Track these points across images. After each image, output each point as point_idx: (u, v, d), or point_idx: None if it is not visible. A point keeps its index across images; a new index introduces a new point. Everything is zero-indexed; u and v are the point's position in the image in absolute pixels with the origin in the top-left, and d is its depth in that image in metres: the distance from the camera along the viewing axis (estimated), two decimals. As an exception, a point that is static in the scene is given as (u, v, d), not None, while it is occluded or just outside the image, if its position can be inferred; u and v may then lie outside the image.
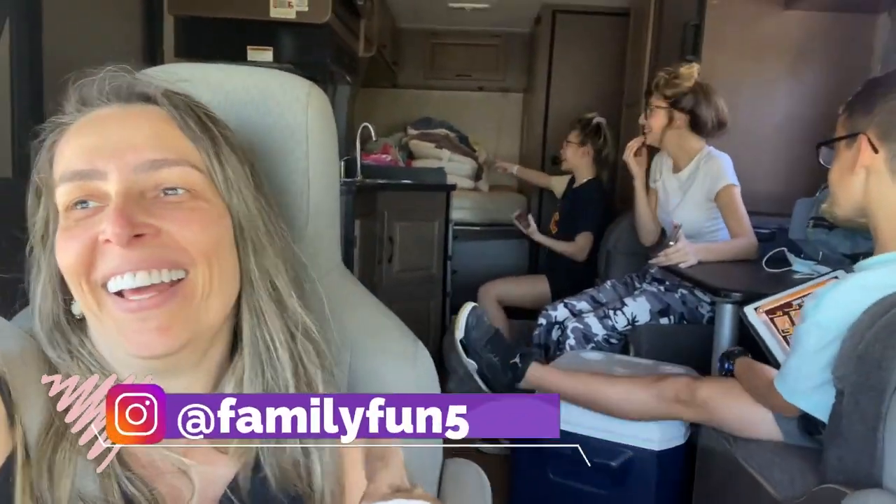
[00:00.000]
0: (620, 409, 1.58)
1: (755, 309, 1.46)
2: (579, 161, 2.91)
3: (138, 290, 0.54)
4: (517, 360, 1.76)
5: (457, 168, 3.92)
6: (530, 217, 2.92)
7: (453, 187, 3.31)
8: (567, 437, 1.69)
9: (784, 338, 1.42)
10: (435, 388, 0.84)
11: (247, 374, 0.60)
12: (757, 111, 2.45)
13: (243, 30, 2.34)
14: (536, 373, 1.72)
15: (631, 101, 3.38)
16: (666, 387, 1.48)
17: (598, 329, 2.15)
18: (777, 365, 1.37)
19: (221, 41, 2.32)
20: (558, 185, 3.17)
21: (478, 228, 3.81)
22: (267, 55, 2.28)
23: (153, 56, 2.21)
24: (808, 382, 1.12)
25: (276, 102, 0.77)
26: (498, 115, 4.57)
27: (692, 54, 2.44)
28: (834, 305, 1.07)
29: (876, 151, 1.06)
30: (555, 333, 2.22)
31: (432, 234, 3.20)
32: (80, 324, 0.59)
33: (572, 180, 3.03)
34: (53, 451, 0.51)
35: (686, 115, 2.16)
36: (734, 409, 1.36)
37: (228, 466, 0.60)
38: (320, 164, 0.80)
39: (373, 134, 3.07)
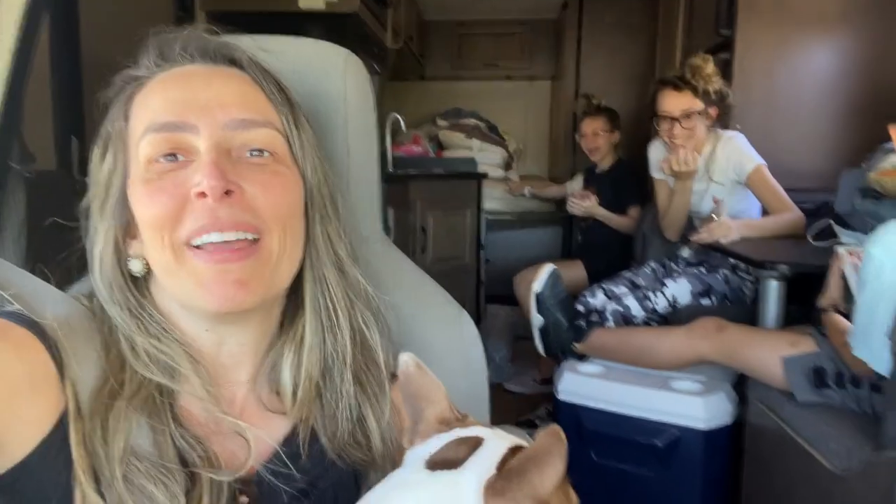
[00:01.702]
0: (659, 355, 1.67)
1: (848, 252, 1.42)
2: (607, 148, 2.89)
3: (222, 244, 0.54)
4: (583, 322, 1.87)
5: (487, 158, 3.90)
6: (586, 192, 2.86)
7: (484, 176, 3.29)
8: (613, 417, 1.67)
9: None
10: (480, 354, 0.83)
11: (308, 339, 0.61)
12: (796, 83, 2.37)
13: (273, 22, 2.35)
14: (599, 336, 1.84)
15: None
16: (696, 325, 1.61)
17: (637, 311, 2.11)
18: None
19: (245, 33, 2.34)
20: (575, 186, 3.15)
21: (510, 217, 3.78)
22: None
23: (187, 8, 2.23)
24: (878, 344, 1.08)
25: (314, 70, 0.77)
26: (526, 104, 4.54)
27: (727, 27, 2.38)
28: (886, 257, 1.03)
29: None
30: (593, 318, 2.19)
31: (464, 223, 3.19)
32: (136, 282, 0.59)
33: (592, 169, 3.01)
34: (107, 409, 0.52)
35: (716, 108, 2.08)
36: (753, 353, 1.44)
37: (284, 429, 0.60)
38: (359, 131, 0.80)
39: (402, 125, 3.08)
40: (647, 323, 2.13)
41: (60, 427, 0.50)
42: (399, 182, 2.72)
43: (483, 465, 0.43)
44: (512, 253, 3.60)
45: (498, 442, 0.45)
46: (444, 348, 0.80)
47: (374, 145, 0.84)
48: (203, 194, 0.53)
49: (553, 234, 3.76)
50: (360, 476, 0.61)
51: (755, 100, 2.39)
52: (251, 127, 0.57)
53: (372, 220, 0.85)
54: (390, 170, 3.10)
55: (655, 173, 2.29)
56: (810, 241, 1.78)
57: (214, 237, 0.53)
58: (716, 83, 2.01)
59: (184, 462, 0.53)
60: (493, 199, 3.67)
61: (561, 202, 3.30)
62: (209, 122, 0.55)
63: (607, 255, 2.75)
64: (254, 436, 0.57)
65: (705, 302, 2.09)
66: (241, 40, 0.78)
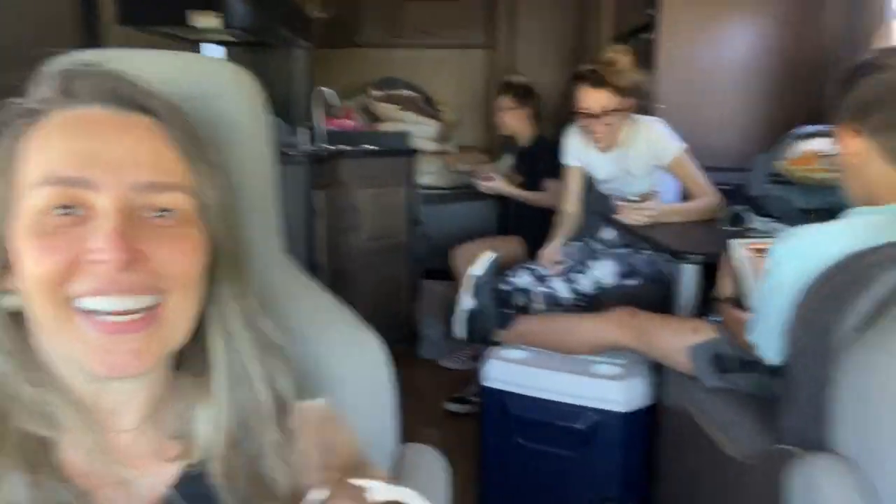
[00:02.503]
0: (577, 341, 1.71)
1: (742, 245, 1.47)
2: (519, 125, 2.90)
3: (117, 312, 0.51)
4: (511, 311, 1.92)
5: (422, 131, 3.84)
6: (491, 173, 2.88)
7: (416, 151, 3.26)
8: (535, 402, 1.71)
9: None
10: (382, 375, 0.82)
11: (219, 394, 0.60)
12: (716, 63, 2.43)
13: (191, -1, 2.22)
14: (523, 323, 1.85)
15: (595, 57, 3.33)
16: (612, 313, 1.65)
17: (564, 292, 2.16)
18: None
19: (164, 5, 2.21)
20: (504, 165, 3.16)
21: (447, 191, 3.76)
22: (213, 21, 2.18)
23: (91, 23, 2.10)
24: (770, 334, 1.14)
25: (200, 89, 0.73)
26: (461, 73, 4.48)
27: (651, 7, 2.40)
28: (787, 256, 1.08)
29: (858, 134, 1.05)
30: (520, 298, 2.22)
31: (398, 199, 3.17)
32: (14, 318, 0.56)
33: (516, 146, 3.03)
34: None
35: (634, 100, 2.07)
36: (661, 341, 1.51)
37: (173, 474, 0.59)
38: (252, 151, 0.77)
39: (334, 99, 2.99)
40: (575, 304, 2.18)
41: None
42: (329, 160, 2.67)
43: None
44: (449, 228, 3.60)
45: (381, 494, 0.46)
46: (348, 372, 0.80)
47: (268, 163, 0.80)
48: (102, 262, 0.50)
49: (490, 208, 3.76)
50: None
51: (678, 79, 2.44)
52: (161, 190, 0.54)
53: (270, 241, 0.82)
54: (322, 145, 3.02)
55: (570, 160, 2.29)
56: (724, 227, 1.84)
57: (111, 303, 0.51)
58: (632, 76, 2.02)
59: None
60: (429, 174, 3.65)
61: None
62: (115, 182, 0.52)
63: (545, 231, 2.78)
64: (142, 483, 0.56)
65: (629, 282, 2.15)
66: (129, 55, 0.73)
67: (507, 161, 3.14)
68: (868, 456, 0.82)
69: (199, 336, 0.63)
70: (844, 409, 0.86)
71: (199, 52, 2.70)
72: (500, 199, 3.75)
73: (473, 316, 1.90)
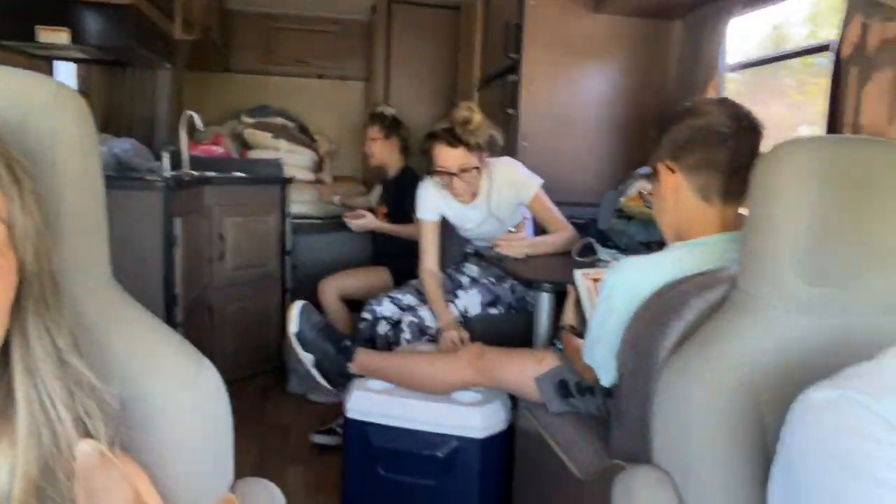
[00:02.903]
0: (430, 381, 1.71)
1: (584, 274, 1.57)
2: (387, 155, 2.98)
3: None
4: (348, 342, 1.84)
5: (296, 160, 3.80)
6: (359, 210, 2.91)
7: (289, 180, 3.21)
8: (397, 432, 1.71)
9: None
10: (219, 410, 0.79)
11: (22, 437, 0.55)
12: (572, 106, 2.61)
13: (33, 6, 2.08)
14: (362, 357, 1.81)
15: (465, 95, 3.47)
16: (461, 354, 1.68)
17: (431, 321, 2.18)
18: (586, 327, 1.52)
19: (10, 18, 2.05)
20: (374, 197, 3.21)
21: (320, 221, 3.72)
22: (62, 37, 2.05)
23: None
24: (605, 358, 1.22)
25: (16, 107, 0.68)
26: (338, 104, 4.49)
27: (515, 52, 2.55)
28: (617, 285, 1.17)
29: (673, 171, 1.16)
30: (382, 328, 2.23)
31: (268, 228, 3.10)
32: None
33: (385, 177, 3.10)
34: None
35: (487, 153, 2.12)
36: (510, 372, 1.57)
37: None
38: (75, 174, 0.72)
39: (199, 123, 2.89)
40: (441, 332, 2.22)
41: None
42: (192, 186, 2.56)
43: None
44: (320, 258, 3.55)
45: None
46: (181, 406, 0.76)
47: (98, 186, 0.76)
48: None
49: (363, 239, 3.76)
50: None
51: (540, 118, 2.60)
52: None
53: (98, 268, 0.77)
54: (186, 170, 2.90)
55: (427, 214, 2.26)
56: (575, 257, 1.96)
57: None
58: (485, 132, 2.07)
59: None
60: (302, 203, 3.60)
61: (370, 209, 3.34)
62: None
63: (413, 262, 2.81)
64: None
65: (493, 311, 2.23)
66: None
67: (378, 191, 3.18)
68: (680, 467, 0.90)
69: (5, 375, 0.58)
70: (662, 425, 0.94)
71: (50, 69, 2.52)
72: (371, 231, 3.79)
73: (319, 364, 1.86)
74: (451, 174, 2.08)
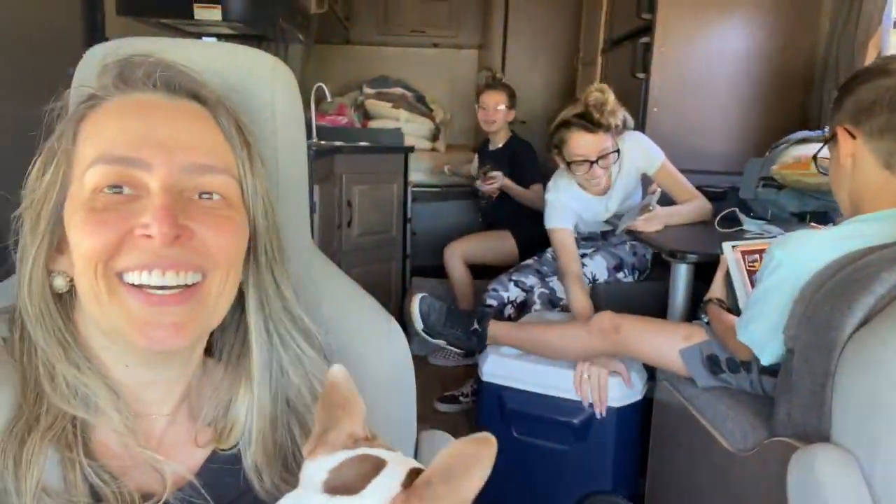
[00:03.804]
0: (562, 350, 1.69)
1: (733, 247, 1.52)
2: (505, 125, 2.97)
3: (161, 286, 0.53)
4: (476, 326, 1.82)
5: (414, 129, 3.87)
6: (493, 174, 2.90)
7: (411, 149, 3.28)
8: (531, 396, 1.74)
9: (750, 279, 1.49)
10: (408, 365, 0.85)
11: (257, 378, 0.62)
12: (707, 69, 2.48)
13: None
14: (494, 329, 1.80)
15: (587, 60, 3.38)
16: (594, 321, 1.62)
17: (563, 293, 2.18)
18: (736, 303, 1.48)
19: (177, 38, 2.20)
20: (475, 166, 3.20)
21: (436, 189, 3.79)
22: (215, 13, 2.17)
23: (93, 14, 2.09)
24: (766, 334, 1.18)
25: (242, 79, 0.74)
26: (452, 73, 4.51)
27: (648, 12, 2.45)
28: (786, 259, 1.12)
29: (853, 137, 1.09)
30: (507, 311, 2.26)
31: (391, 196, 3.18)
32: (61, 301, 0.58)
33: (484, 147, 3.10)
34: (21, 443, 0.51)
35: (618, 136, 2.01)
36: (650, 349, 1.52)
37: (202, 459, 0.60)
38: (288, 141, 0.78)
39: (328, 94, 3.00)
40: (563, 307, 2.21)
41: None
42: (324, 155, 2.67)
43: (384, 490, 0.43)
44: (438, 225, 3.63)
45: (400, 465, 0.45)
46: (373, 361, 0.81)
47: (303, 155, 0.82)
48: (148, 237, 0.52)
49: (477, 206, 3.81)
50: None
51: (672, 83, 2.49)
52: (208, 172, 0.56)
53: (302, 231, 0.84)
54: (317, 140, 3.03)
55: (558, 223, 2.10)
56: (716, 227, 1.89)
57: (156, 277, 0.52)
58: (620, 113, 1.98)
59: (97, 497, 0.52)
60: (419, 172, 3.67)
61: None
62: (165, 162, 0.54)
63: (536, 227, 2.78)
64: (171, 469, 0.57)
65: (621, 275, 2.19)
66: (160, 44, 0.75)
67: (475, 160, 3.19)
68: (867, 447, 0.86)
69: (234, 323, 0.65)
70: (845, 402, 0.90)
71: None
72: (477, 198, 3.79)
73: (453, 344, 1.86)
74: (590, 162, 1.98)
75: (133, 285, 0.53)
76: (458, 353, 2.64)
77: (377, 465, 0.44)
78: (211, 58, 0.73)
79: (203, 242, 0.55)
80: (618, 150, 2.01)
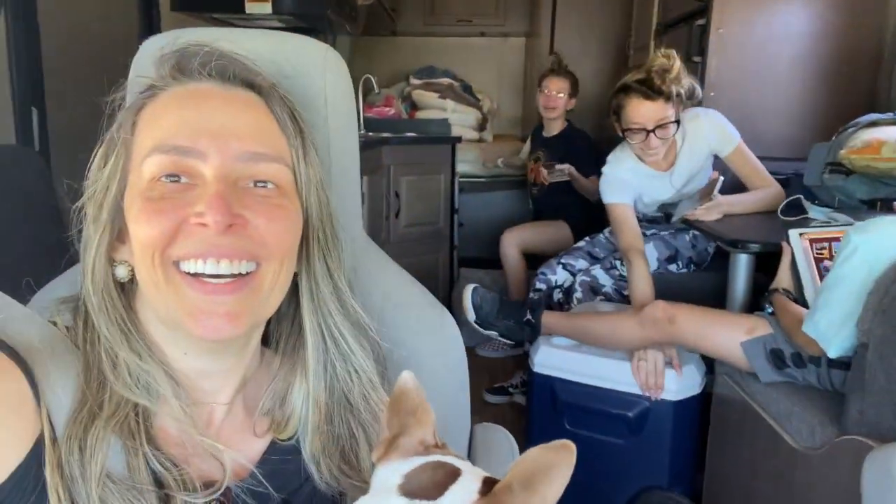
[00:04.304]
0: (614, 341, 1.65)
1: (800, 234, 1.45)
2: (563, 112, 2.91)
3: (216, 275, 0.53)
4: (529, 317, 1.79)
5: (461, 119, 3.85)
6: (559, 165, 2.84)
7: (459, 139, 3.26)
8: (584, 388, 1.71)
9: (818, 268, 1.42)
10: (462, 357, 0.83)
11: (312, 367, 0.62)
12: (768, 51, 2.37)
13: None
14: (547, 320, 1.78)
15: (639, 45, 3.29)
16: (646, 311, 1.57)
17: (605, 280, 2.13)
18: (802, 294, 1.42)
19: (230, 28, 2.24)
20: (526, 152, 3.12)
21: (483, 180, 3.77)
22: (265, 7, 2.20)
23: (149, 10, 2.14)
24: (834, 326, 1.12)
25: (294, 67, 0.74)
26: (500, 62, 4.47)
27: (704, -7, 2.36)
28: (862, 246, 1.06)
29: None
30: (556, 295, 2.22)
31: (438, 187, 3.17)
32: (123, 290, 0.58)
33: (538, 133, 3.05)
34: (86, 431, 0.51)
35: (684, 106, 1.91)
36: (708, 334, 1.46)
37: (261, 449, 0.60)
38: (340, 129, 0.78)
39: (375, 86, 3.01)
40: (617, 291, 2.15)
41: (35, 453, 0.49)
42: (372, 146, 2.68)
43: (464, 496, 0.42)
44: (485, 216, 3.61)
45: (474, 474, 0.44)
46: (426, 352, 0.80)
47: (355, 143, 0.82)
48: (202, 225, 0.52)
49: (524, 197, 3.76)
50: (342, 497, 0.62)
51: (730, 67, 2.40)
52: (262, 161, 0.56)
53: (354, 220, 0.83)
54: (365, 132, 3.04)
55: (615, 197, 2.00)
56: (779, 215, 1.81)
57: (210, 265, 0.53)
58: (686, 81, 1.87)
59: (159, 484, 0.53)
60: (466, 163, 3.65)
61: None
62: (220, 150, 0.54)
63: (590, 214, 2.72)
64: (230, 457, 0.57)
65: (672, 268, 2.11)
66: (213, 33, 0.75)
67: (527, 148, 3.15)
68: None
69: (290, 314, 0.65)
70: (926, 399, 0.85)
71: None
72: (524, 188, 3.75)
73: (505, 335, 1.83)
74: (647, 131, 1.88)
75: (189, 274, 0.53)
76: (508, 344, 2.63)
77: (453, 473, 0.44)
78: (264, 46, 0.72)
79: (257, 231, 0.55)
80: (678, 122, 1.89)
